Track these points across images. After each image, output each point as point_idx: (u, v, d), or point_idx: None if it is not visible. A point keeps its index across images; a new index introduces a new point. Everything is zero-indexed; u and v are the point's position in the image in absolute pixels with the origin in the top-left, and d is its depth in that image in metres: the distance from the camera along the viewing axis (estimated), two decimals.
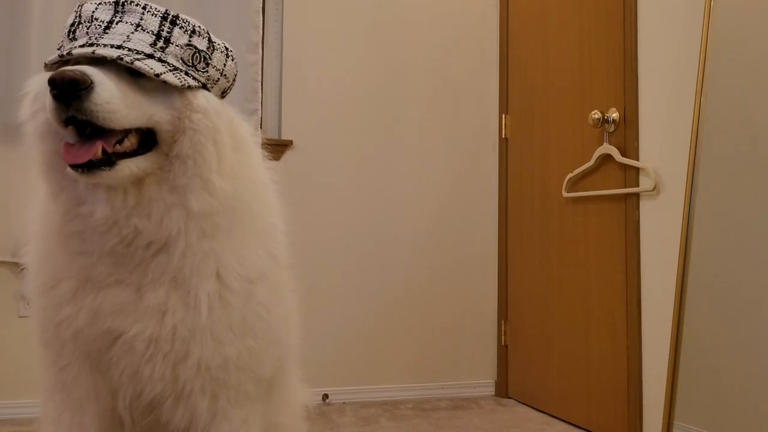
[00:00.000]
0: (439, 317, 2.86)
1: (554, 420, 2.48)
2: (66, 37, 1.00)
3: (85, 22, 0.98)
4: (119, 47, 0.94)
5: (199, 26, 1.04)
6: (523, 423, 2.44)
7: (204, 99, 1.02)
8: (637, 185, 2.15)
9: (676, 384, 1.84)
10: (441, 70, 2.93)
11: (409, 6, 2.90)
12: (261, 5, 2.67)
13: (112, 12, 0.99)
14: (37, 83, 1.03)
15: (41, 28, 2.39)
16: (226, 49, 1.08)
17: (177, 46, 1.00)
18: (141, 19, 0.99)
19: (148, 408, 1.08)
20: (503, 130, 2.95)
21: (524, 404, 2.73)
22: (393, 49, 2.87)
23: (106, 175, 0.94)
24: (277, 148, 2.65)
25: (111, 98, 0.90)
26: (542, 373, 2.61)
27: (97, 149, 0.92)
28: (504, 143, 2.95)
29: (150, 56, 0.96)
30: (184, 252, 1.02)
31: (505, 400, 2.80)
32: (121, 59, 0.91)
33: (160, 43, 0.98)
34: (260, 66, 2.67)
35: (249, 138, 1.12)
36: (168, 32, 1.00)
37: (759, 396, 1.65)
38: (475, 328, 2.91)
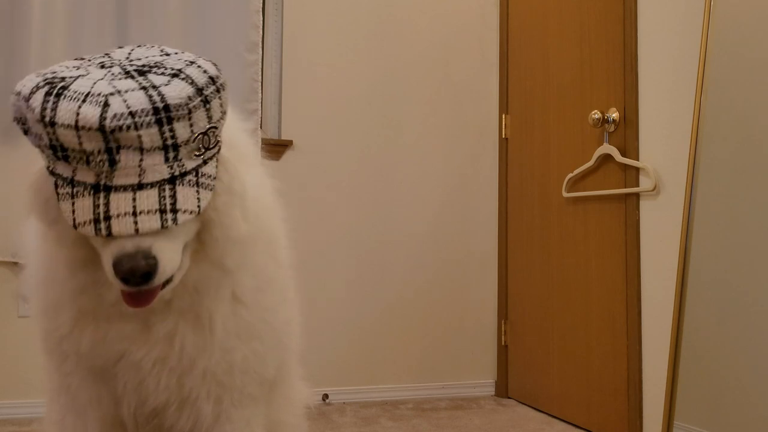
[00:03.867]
0: (439, 317, 2.86)
1: (554, 420, 2.48)
2: (52, 155, 0.86)
3: (75, 151, 0.84)
4: (140, 186, 0.85)
5: (189, 95, 0.86)
6: (523, 423, 2.44)
7: (225, 172, 0.95)
8: (637, 185, 2.15)
9: (676, 384, 1.84)
10: (441, 70, 2.93)
11: (409, 6, 2.90)
12: (261, 5, 2.67)
13: (102, 140, 0.83)
14: (44, 183, 0.92)
15: (41, 28, 2.39)
16: (213, 81, 0.90)
17: (185, 145, 0.87)
18: (141, 142, 0.84)
19: (152, 414, 1.07)
20: (503, 130, 2.95)
21: (524, 404, 2.73)
22: (393, 49, 2.87)
23: (165, 293, 0.94)
24: (277, 148, 2.65)
25: (170, 260, 0.88)
26: (542, 373, 2.61)
27: (158, 292, 0.91)
28: (504, 143, 2.95)
29: (172, 180, 0.87)
30: (210, 291, 1.01)
31: (505, 400, 2.80)
32: (166, 227, 0.85)
33: (171, 154, 0.86)
34: (260, 66, 2.67)
35: (248, 148, 1.08)
36: (172, 137, 0.85)
37: (759, 396, 1.65)
38: (475, 328, 2.91)
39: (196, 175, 0.89)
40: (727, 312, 1.74)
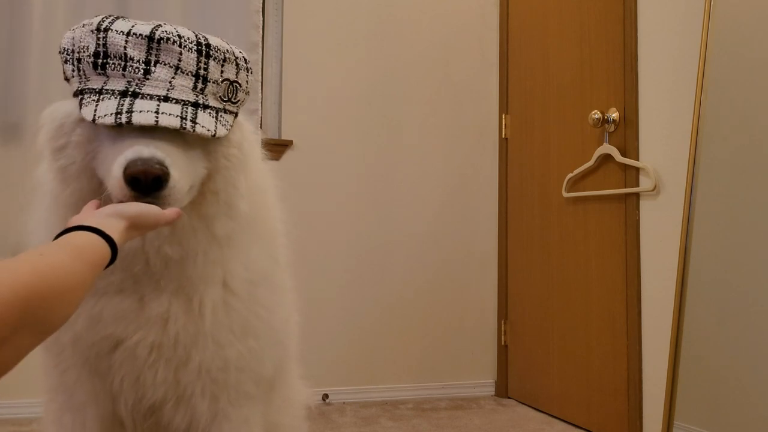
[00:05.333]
0: (439, 317, 2.86)
1: (554, 420, 2.48)
2: (90, 67, 0.95)
3: (115, 58, 0.93)
4: (165, 98, 0.93)
5: (226, 49, 1.01)
6: (523, 423, 2.44)
7: (239, 132, 1.04)
8: (637, 185, 2.14)
9: (676, 384, 1.84)
10: (441, 70, 2.93)
11: (409, 6, 2.89)
12: (261, 5, 2.67)
13: (145, 50, 0.93)
14: (59, 113, 0.99)
15: (41, 28, 2.39)
16: (245, 61, 1.05)
17: (213, 83, 0.98)
18: (180, 60, 0.95)
19: (149, 411, 1.08)
20: (503, 130, 2.95)
21: (524, 404, 2.73)
22: (393, 49, 2.87)
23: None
24: (277, 148, 2.65)
25: (179, 178, 0.91)
26: (542, 373, 2.61)
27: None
28: (504, 143, 2.95)
29: (195, 105, 0.95)
30: (197, 263, 1.03)
31: (505, 400, 2.80)
32: (184, 128, 0.91)
33: (200, 85, 0.96)
34: (260, 66, 2.67)
35: (255, 143, 1.12)
36: (205, 69, 0.97)
37: (759, 396, 1.65)
38: (475, 328, 2.91)
39: (216, 113, 0.98)
40: (727, 312, 1.74)
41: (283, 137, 2.70)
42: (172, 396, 1.05)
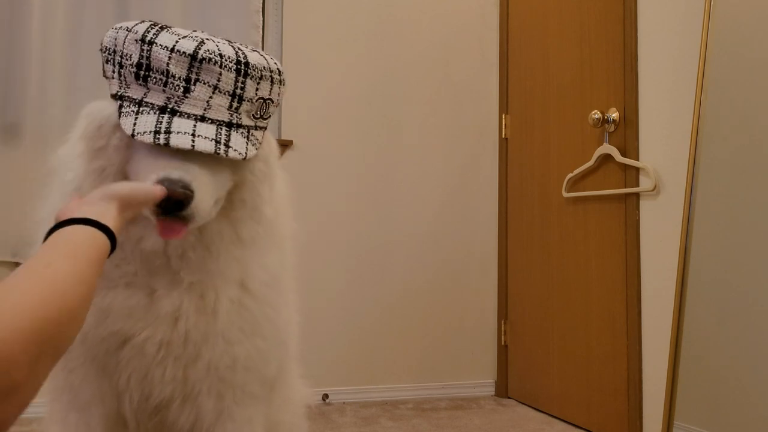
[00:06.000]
0: (439, 317, 2.86)
1: (554, 420, 2.48)
2: (132, 76, 0.97)
3: (157, 72, 0.95)
4: (202, 118, 0.95)
5: (264, 66, 1.01)
6: (523, 423, 2.44)
7: (267, 147, 1.07)
8: (637, 185, 2.15)
9: (676, 384, 1.84)
10: (441, 70, 2.93)
11: (409, 6, 2.90)
12: (261, 5, 2.68)
13: (187, 67, 0.95)
14: (99, 115, 1.00)
15: (41, 28, 2.39)
16: (279, 73, 1.05)
17: (248, 101, 1.00)
18: (219, 80, 0.96)
19: (154, 410, 1.08)
20: (503, 130, 2.95)
21: (524, 404, 2.73)
22: (393, 49, 2.87)
23: (196, 224, 0.96)
24: None
25: (203, 197, 0.94)
26: (542, 373, 2.61)
27: (186, 228, 0.96)
28: (504, 143, 2.95)
29: (229, 125, 0.98)
30: (219, 260, 1.05)
31: (505, 400, 2.80)
32: (218, 153, 0.94)
33: (235, 104, 0.98)
34: None
35: (277, 152, 1.15)
36: (241, 89, 0.98)
37: (759, 396, 1.65)
38: (475, 328, 2.91)
39: (248, 132, 1.00)
40: (727, 312, 1.74)
41: (283, 137, 2.70)
42: (179, 394, 1.05)
